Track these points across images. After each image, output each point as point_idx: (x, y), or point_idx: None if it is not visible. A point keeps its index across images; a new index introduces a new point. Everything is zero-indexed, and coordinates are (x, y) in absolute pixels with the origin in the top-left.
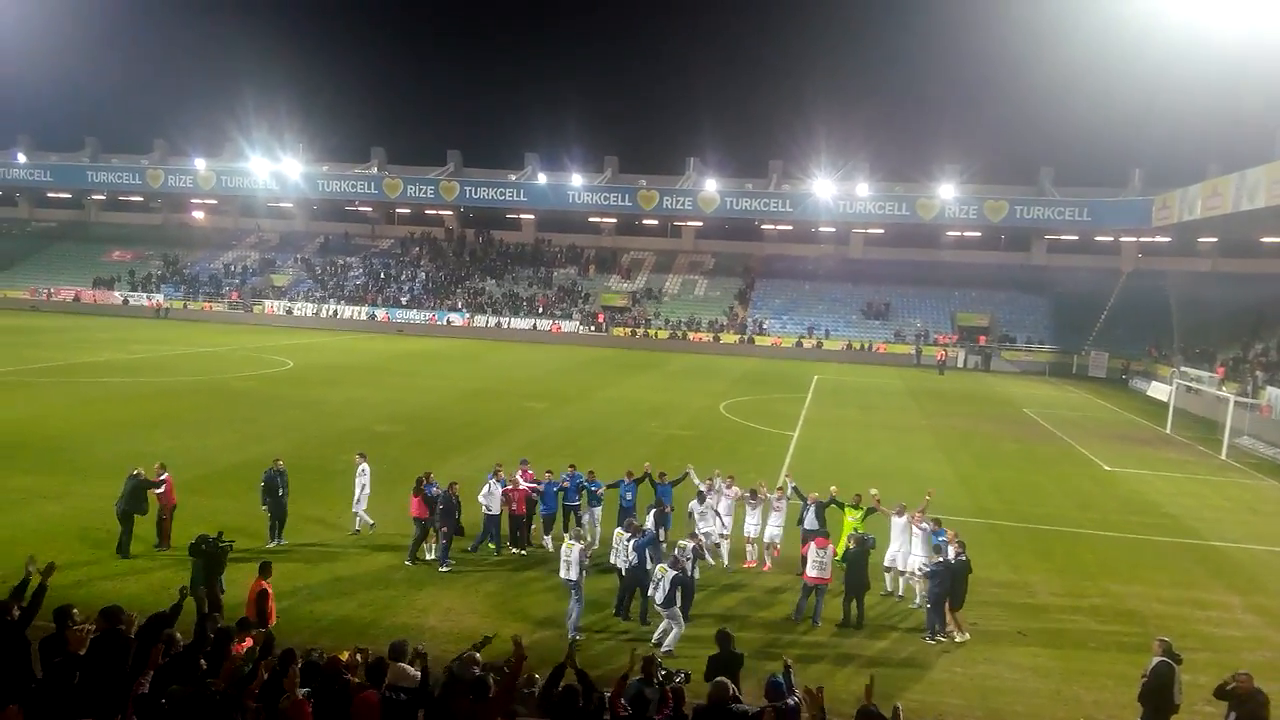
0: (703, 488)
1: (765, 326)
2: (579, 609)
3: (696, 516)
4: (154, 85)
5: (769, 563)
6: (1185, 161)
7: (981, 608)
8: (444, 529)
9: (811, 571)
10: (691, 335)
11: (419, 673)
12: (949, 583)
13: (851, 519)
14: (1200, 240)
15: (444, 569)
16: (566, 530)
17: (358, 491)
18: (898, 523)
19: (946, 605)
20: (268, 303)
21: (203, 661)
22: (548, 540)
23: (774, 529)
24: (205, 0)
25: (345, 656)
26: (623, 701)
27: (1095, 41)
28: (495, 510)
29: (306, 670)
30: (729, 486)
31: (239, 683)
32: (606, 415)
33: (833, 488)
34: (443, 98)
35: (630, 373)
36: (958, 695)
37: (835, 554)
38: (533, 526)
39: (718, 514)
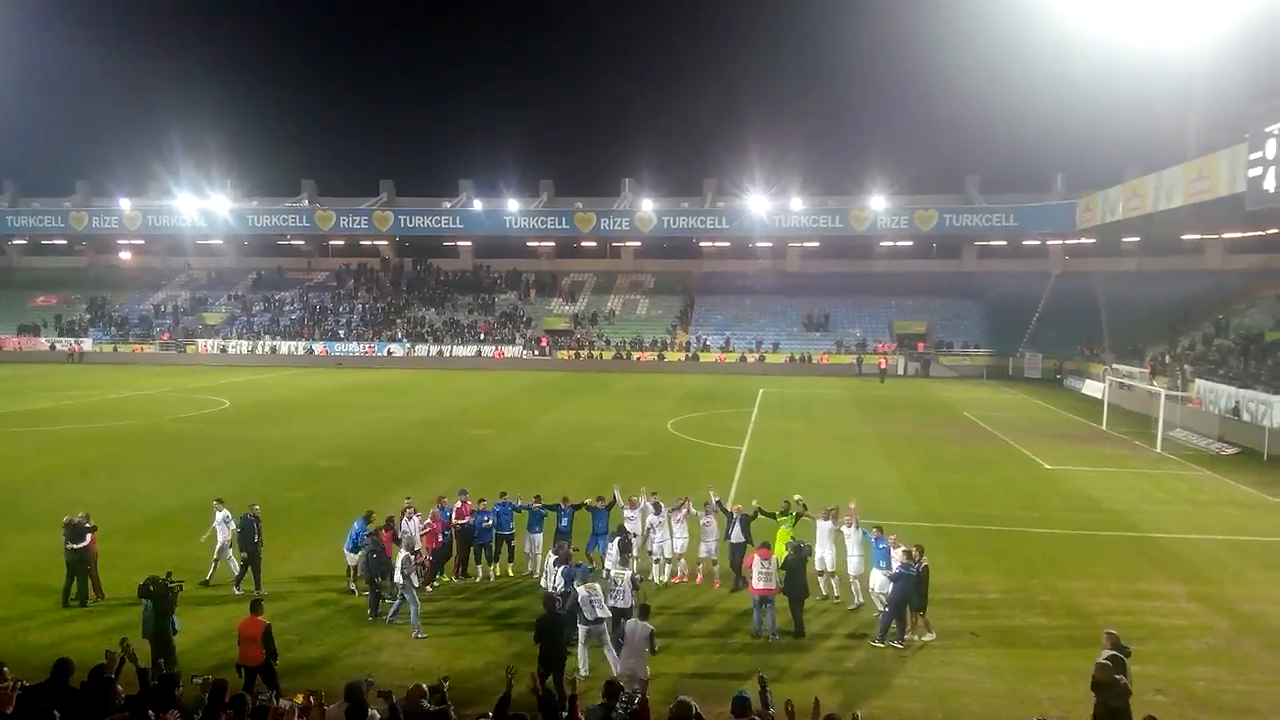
0: (626, 509)
1: (708, 343)
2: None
3: (642, 535)
4: (73, 125)
5: (717, 579)
6: (1105, 164)
7: (935, 610)
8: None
9: (758, 584)
10: (636, 355)
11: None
12: (909, 588)
13: (784, 526)
14: (1124, 240)
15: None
16: (494, 560)
17: (220, 539)
18: (824, 527)
19: (907, 610)
20: (201, 342)
21: (151, 712)
22: (486, 570)
23: (709, 544)
24: (123, 37)
25: (299, 700)
26: None
27: (1014, 51)
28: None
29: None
30: (652, 501)
31: None
32: (554, 439)
33: (754, 501)
34: (373, 128)
35: (576, 395)
36: (916, 699)
37: (778, 563)
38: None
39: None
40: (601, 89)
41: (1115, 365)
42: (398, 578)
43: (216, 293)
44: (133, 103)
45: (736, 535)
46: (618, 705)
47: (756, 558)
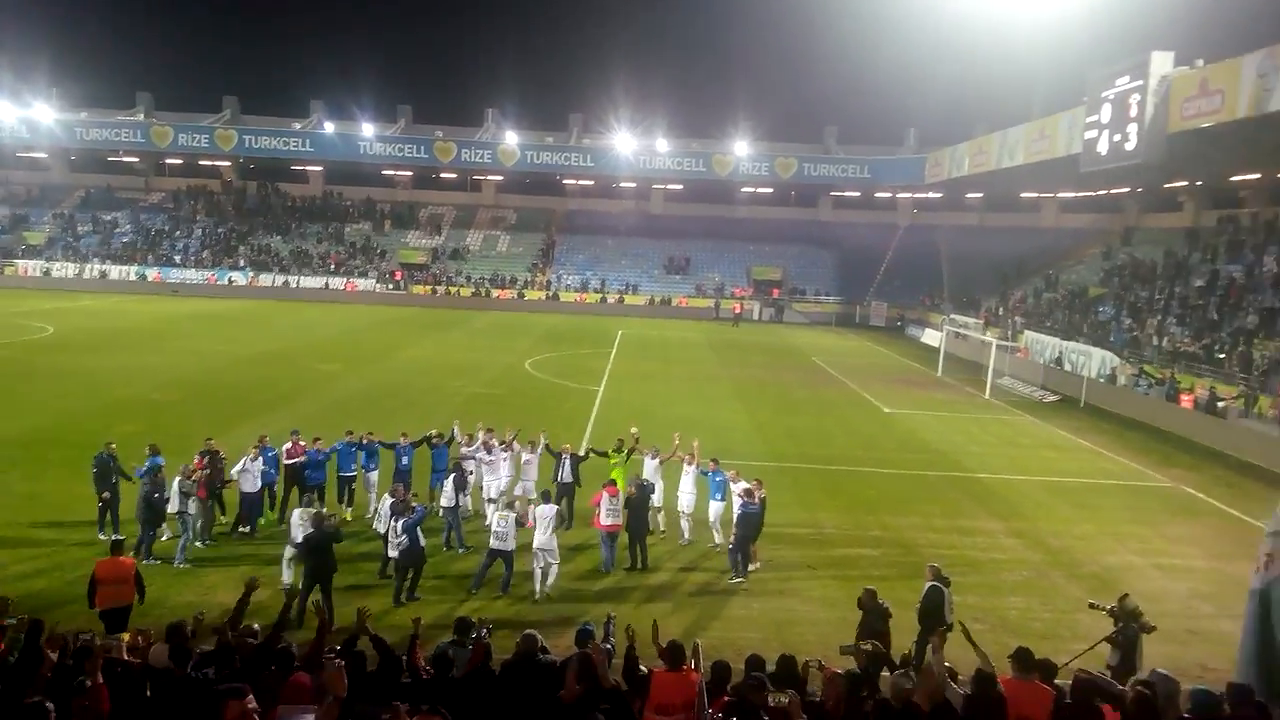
0: (464, 444)
1: (569, 282)
2: (509, 574)
3: (485, 471)
4: None
5: (531, 520)
6: (956, 121)
7: (776, 544)
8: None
9: (605, 520)
10: (495, 292)
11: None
12: (750, 525)
13: (615, 462)
14: (968, 196)
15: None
16: (341, 500)
17: None
18: (650, 464)
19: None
20: (21, 263)
21: None
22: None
23: (527, 483)
24: None
25: (126, 638)
26: (424, 662)
27: (875, 7)
28: (252, 488)
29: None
30: (491, 438)
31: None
32: (408, 376)
33: (584, 443)
34: (217, 38)
35: (432, 331)
36: (754, 629)
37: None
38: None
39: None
40: (466, 13)
41: (953, 315)
42: (173, 506)
43: (39, 210)
44: None
45: (565, 475)
46: (467, 642)
47: (605, 494)
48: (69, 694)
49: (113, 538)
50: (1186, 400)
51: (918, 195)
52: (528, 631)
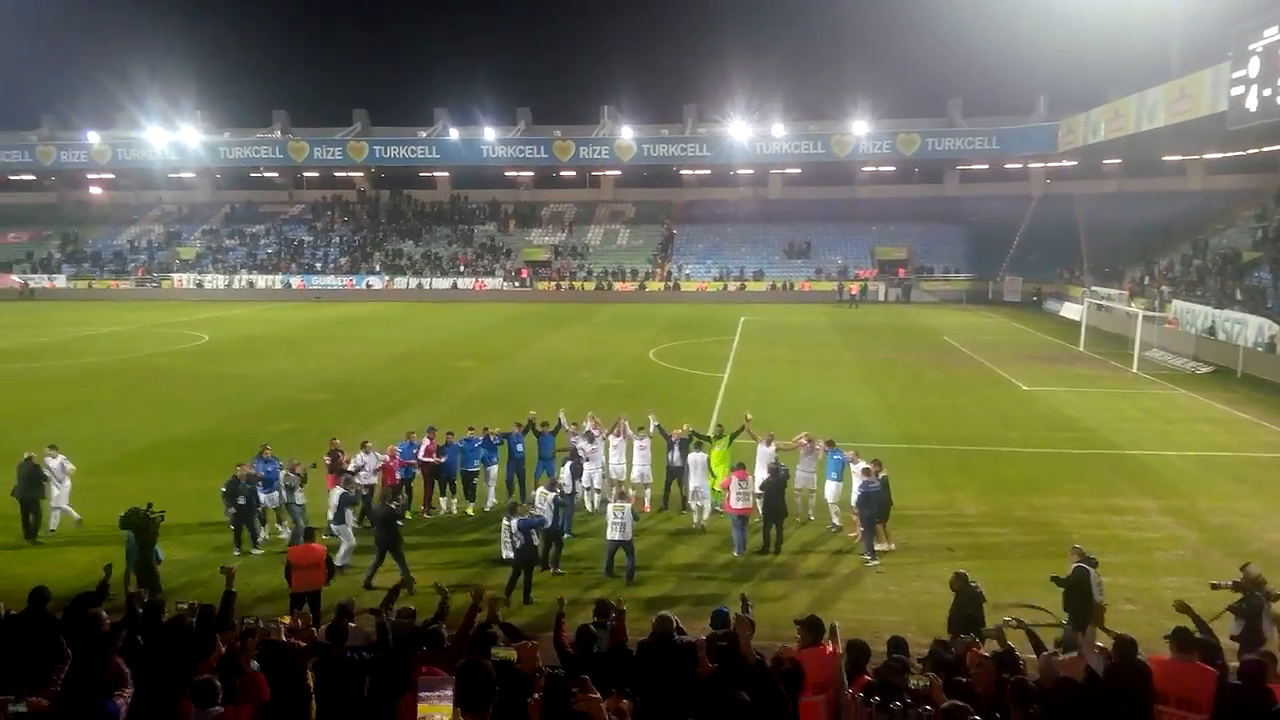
0: (571, 434)
1: (689, 272)
2: (632, 562)
3: (585, 458)
4: (37, 56)
5: (647, 504)
6: (1087, 86)
7: (912, 527)
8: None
9: (736, 504)
10: (617, 285)
11: (372, 630)
12: (874, 504)
13: (719, 448)
14: (1105, 162)
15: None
16: (451, 494)
17: (57, 489)
18: (763, 451)
19: (877, 525)
20: (176, 277)
21: (138, 637)
22: (444, 504)
23: (641, 468)
24: None
25: (287, 622)
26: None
27: None
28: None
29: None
30: (596, 427)
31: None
32: (537, 369)
33: (686, 425)
34: (345, 55)
35: (558, 326)
36: (892, 612)
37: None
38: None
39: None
40: (578, 13)
41: (1094, 287)
42: (279, 496)
43: (190, 227)
44: (98, 32)
45: (675, 459)
46: (607, 623)
47: (734, 478)
48: (232, 674)
49: (305, 528)
50: None
51: (1050, 164)
52: (663, 613)
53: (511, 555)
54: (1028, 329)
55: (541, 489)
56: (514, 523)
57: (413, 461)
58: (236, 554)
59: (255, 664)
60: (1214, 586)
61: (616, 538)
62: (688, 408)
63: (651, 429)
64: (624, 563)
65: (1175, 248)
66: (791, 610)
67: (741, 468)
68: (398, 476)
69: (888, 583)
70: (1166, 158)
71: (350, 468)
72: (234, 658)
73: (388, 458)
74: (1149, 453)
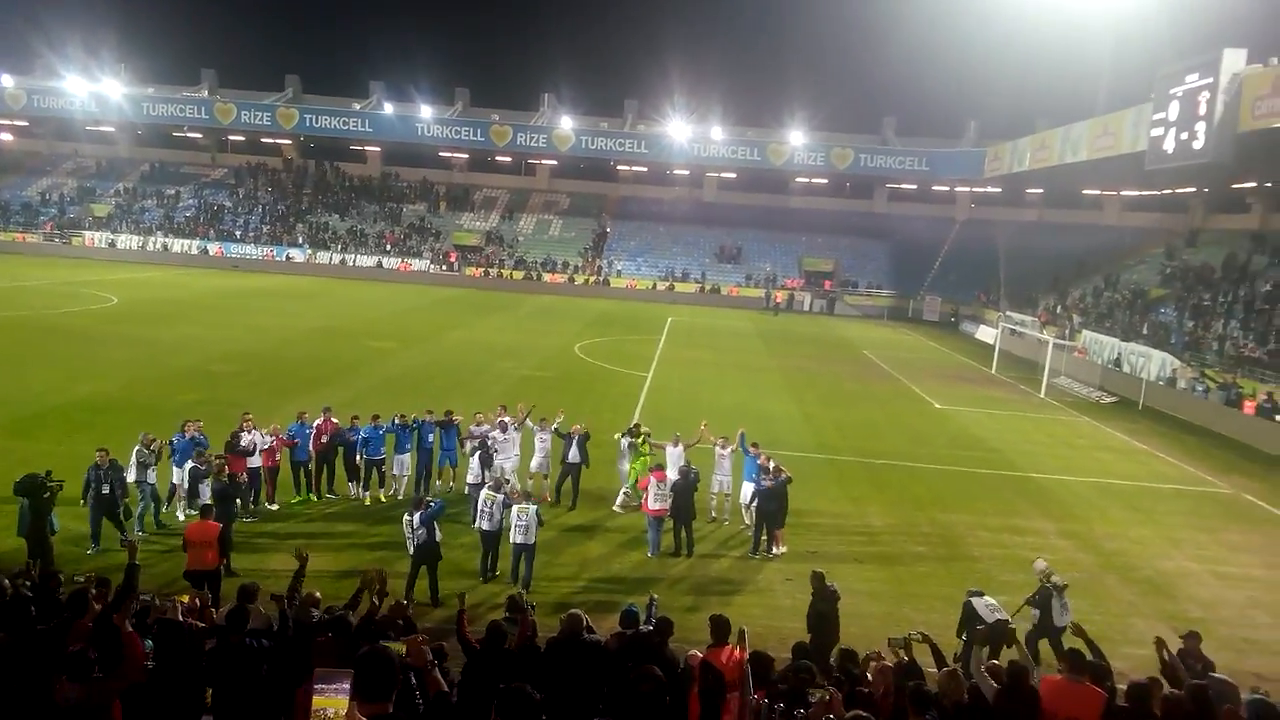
0: (475, 424)
1: (620, 268)
2: (529, 571)
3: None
4: None
5: (547, 494)
6: (1017, 115)
7: (821, 536)
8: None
9: (654, 504)
10: (546, 276)
11: (271, 615)
12: (770, 502)
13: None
14: (1028, 191)
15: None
16: (354, 480)
17: None
18: (672, 452)
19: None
20: (87, 234)
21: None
22: (353, 489)
23: (540, 459)
24: None
25: (186, 600)
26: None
27: None
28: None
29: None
30: (510, 418)
31: (62, 622)
32: (459, 356)
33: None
34: (281, 19)
35: (483, 313)
36: (799, 619)
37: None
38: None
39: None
40: None
41: (1009, 312)
42: (131, 475)
43: (106, 183)
44: None
45: (573, 456)
46: (517, 618)
47: (652, 479)
48: (108, 639)
49: (201, 504)
50: (1249, 406)
51: (976, 189)
52: (573, 611)
53: (411, 551)
54: (944, 348)
55: (487, 490)
56: (415, 517)
57: (294, 442)
58: (91, 550)
59: (131, 626)
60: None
61: (519, 541)
62: (610, 405)
63: (556, 424)
64: (523, 569)
65: (1088, 279)
66: (700, 614)
67: (660, 468)
68: (275, 458)
69: (796, 590)
70: (1086, 191)
71: (242, 445)
72: (108, 616)
73: (273, 438)
74: (1051, 477)
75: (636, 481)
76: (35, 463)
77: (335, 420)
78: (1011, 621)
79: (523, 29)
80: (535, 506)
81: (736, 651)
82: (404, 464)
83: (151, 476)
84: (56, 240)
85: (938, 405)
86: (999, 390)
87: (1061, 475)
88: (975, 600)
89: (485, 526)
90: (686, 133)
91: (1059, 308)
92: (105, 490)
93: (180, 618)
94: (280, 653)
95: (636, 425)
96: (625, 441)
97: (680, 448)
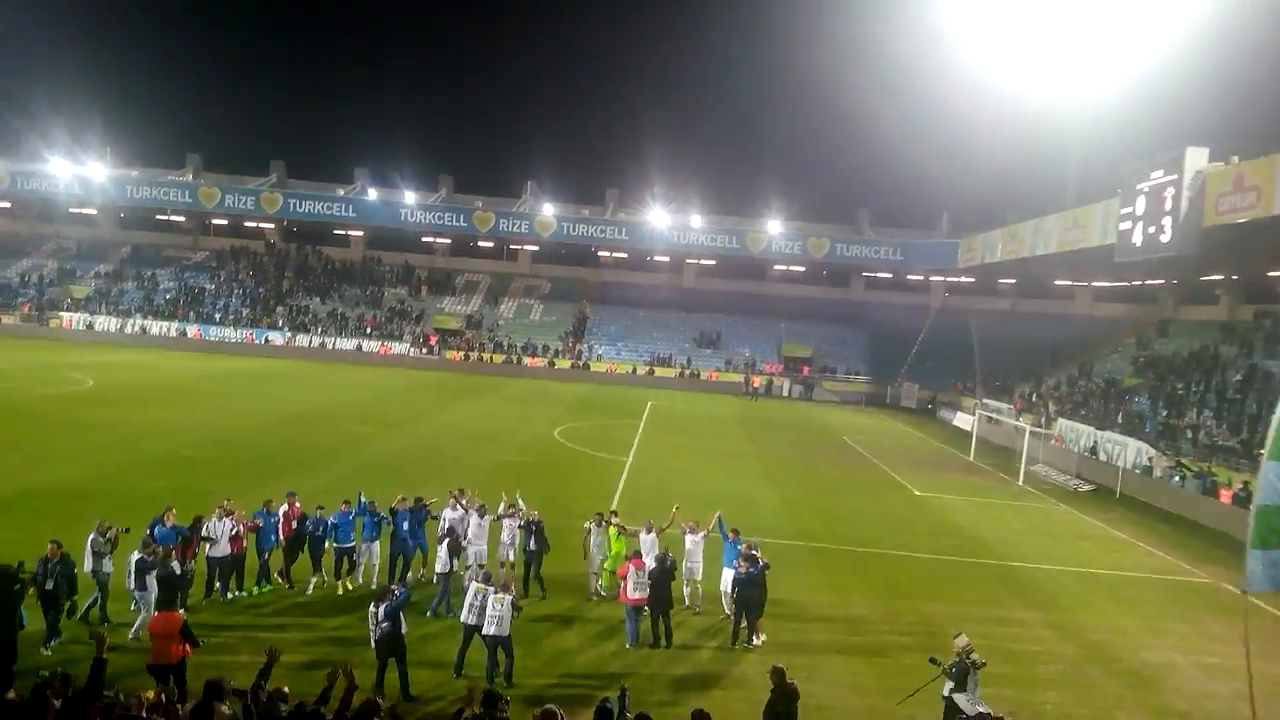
0: (446, 511)
1: (601, 353)
2: (511, 661)
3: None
4: None
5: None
6: (989, 207)
7: (803, 625)
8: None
9: (633, 594)
10: (527, 360)
11: (236, 712)
12: (751, 589)
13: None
14: (1001, 281)
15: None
16: (317, 570)
17: None
18: (646, 539)
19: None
20: (66, 315)
21: None
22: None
23: (506, 548)
24: None
25: (150, 696)
26: None
27: (909, 92)
28: (222, 553)
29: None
30: (477, 509)
31: None
32: (438, 440)
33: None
34: (266, 105)
35: (463, 397)
36: None
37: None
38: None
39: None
40: (508, 88)
41: (985, 400)
42: (87, 565)
43: (87, 264)
44: (6, 57)
45: (533, 544)
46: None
47: (631, 567)
48: None
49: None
50: (1225, 495)
51: (950, 279)
52: (548, 706)
53: (374, 644)
54: (922, 435)
55: (477, 583)
56: (381, 609)
57: (257, 525)
58: (46, 650)
59: None
60: (932, 660)
61: (493, 633)
62: (589, 490)
63: (518, 512)
64: (503, 663)
65: (1062, 368)
66: (680, 708)
67: (638, 556)
68: (242, 545)
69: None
70: (1058, 282)
71: (203, 532)
72: (72, 715)
73: (239, 526)
74: (1032, 565)
75: (615, 571)
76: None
77: (299, 505)
78: (994, 714)
79: (506, 118)
80: (511, 596)
81: None
82: (374, 552)
83: (108, 566)
84: (34, 322)
85: (918, 492)
86: (978, 478)
87: (1043, 564)
88: (957, 696)
89: (472, 621)
90: (666, 220)
91: (1034, 395)
92: (48, 585)
93: (144, 715)
94: None
95: (605, 512)
96: (593, 527)
97: (654, 534)
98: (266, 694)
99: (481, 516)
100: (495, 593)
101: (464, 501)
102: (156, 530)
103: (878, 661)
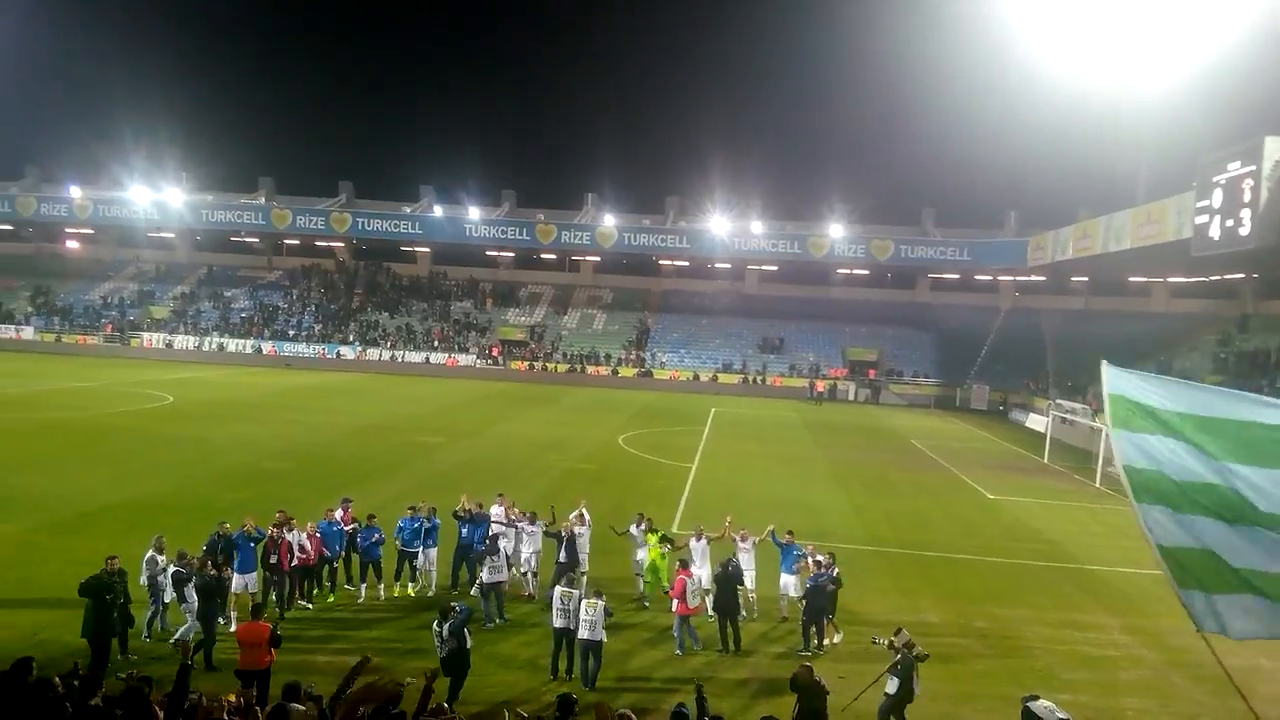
0: (507, 518)
1: (663, 360)
2: (598, 665)
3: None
4: (26, 109)
5: (530, 589)
6: (1058, 204)
7: (872, 631)
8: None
9: (693, 602)
10: (590, 369)
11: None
12: (823, 597)
13: (652, 543)
14: (1073, 279)
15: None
16: (364, 580)
17: None
18: (696, 547)
19: (824, 618)
20: (146, 335)
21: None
22: (370, 589)
23: (528, 553)
24: (81, 21)
25: (232, 699)
26: None
27: (974, 89)
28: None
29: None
30: (522, 518)
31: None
32: (504, 449)
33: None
34: (334, 127)
35: (528, 406)
36: (850, 717)
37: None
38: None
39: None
40: (568, 102)
41: (1059, 400)
42: (599, 634)
43: (165, 286)
44: (88, 90)
45: (562, 555)
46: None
47: (685, 578)
48: None
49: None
50: None
51: (1020, 278)
52: (622, 711)
53: (441, 660)
54: (993, 437)
55: (562, 587)
56: (445, 627)
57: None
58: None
59: None
60: (874, 642)
61: (587, 636)
62: (654, 497)
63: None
64: (590, 667)
65: (1139, 366)
66: (751, 714)
67: (685, 566)
68: (312, 557)
69: (847, 688)
70: (1132, 278)
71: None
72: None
73: (309, 539)
74: (1111, 569)
75: (670, 587)
76: (87, 561)
77: (352, 511)
78: None
79: (567, 131)
80: (603, 601)
81: None
82: (431, 559)
83: (190, 596)
84: (116, 342)
85: (990, 495)
86: (1052, 480)
87: (1122, 568)
88: (1032, 704)
89: (559, 624)
90: (727, 227)
91: None
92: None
93: (224, 717)
94: None
95: (641, 515)
96: (637, 530)
97: (704, 541)
98: (348, 698)
99: (533, 524)
100: (587, 598)
101: (513, 511)
102: (239, 539)
103: (950, 667)
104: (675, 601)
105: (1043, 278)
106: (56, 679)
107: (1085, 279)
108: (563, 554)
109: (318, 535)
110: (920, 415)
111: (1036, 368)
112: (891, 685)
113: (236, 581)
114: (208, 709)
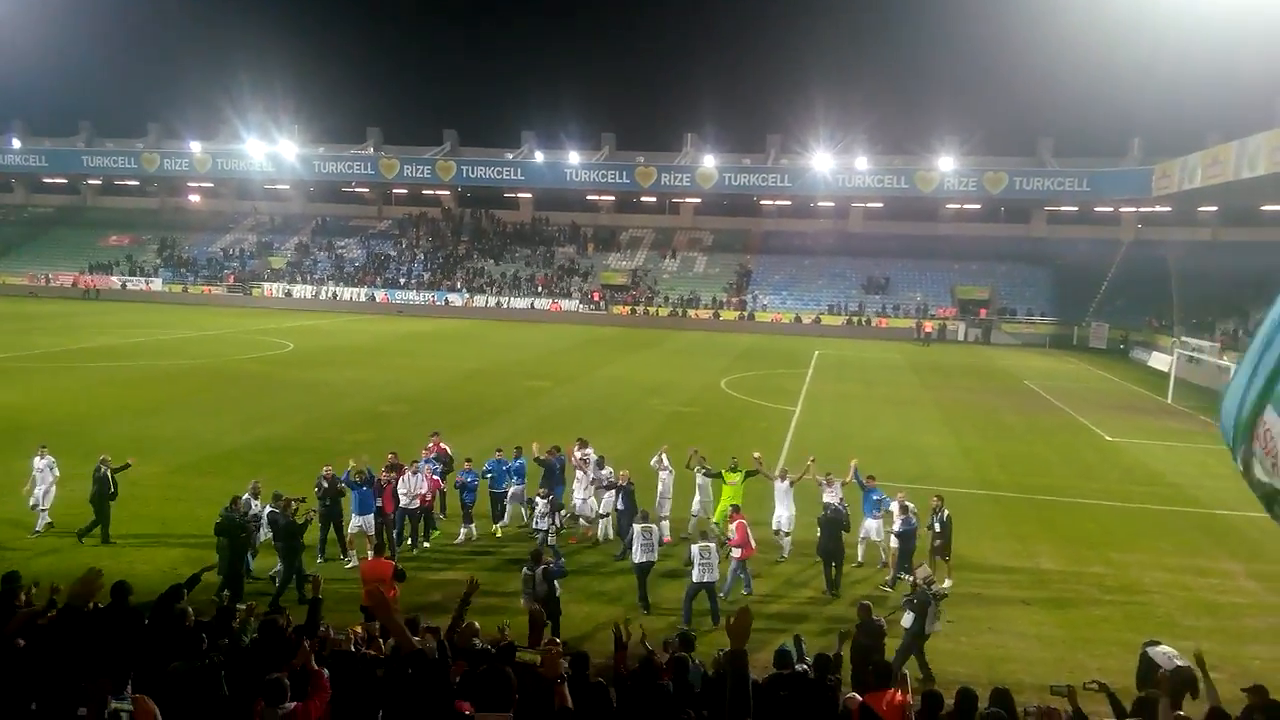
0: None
1: (765, 303)
2: (716, 603)
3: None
4: (147, 68)
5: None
6: (1185, 130)
7: (986, 577)
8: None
9: (751, 546)
10: (691, 312)
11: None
12: (911, 542)
13: (731, 482)
14: (1201, 209)
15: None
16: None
17: (42, 489)
18: (779, 487)
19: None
20: (266, 285)
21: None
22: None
23: (590, 499)
24: None
25: (359, 630)
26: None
27: (1092, 9)
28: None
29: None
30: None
31: (240, 656)
32: (609, 393)
33: (697, 456)
34: (438, 77)
35: (631, 351)
36: (963, 664)
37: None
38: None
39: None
40: (665, 42)
41: (1184, 338)
42: (263, 535)
43: (282, 237)
44: (205, 48)
45: (621, 504)
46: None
47: (744, 523)
48: (302, 678)
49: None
50: None
51: (1143, 209)
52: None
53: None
54: (1113, 377)
55: (640, 523)
56: (538, 572)
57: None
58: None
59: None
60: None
61: (705, 579)
62: (758, 439)
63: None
64: (706, 605)
65: (1272, 301)
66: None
67: (737, 509)
68: (429, 499)
69: (958, 633)
70: (1266, 207)
71: (401, 491)
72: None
73: (428, 481)
74: (1237, 513)
75: (730, 536)
76: (218, 500)
77: (441, 443)
78: (1194, 667)
79: (665, 72)
80: (714, 544)
81: (899, 695)
82: (520, 495)
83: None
84: (238, 292)
85: (1108, 437)
86: (1176, 421)
87: (1249, 512)
88: (1151, 650)
89: (641, 559)
90: (830, 164)
91: (1239, 332)
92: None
93: (354, 648)
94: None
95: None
96: (701, 476)
97: (787, 482)
98: (461, 628)
99: (601, 468)
100: (701, 542)
101: (583, 453)
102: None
103: (1065, 613)
104: (737, 549)
105: (1168, 208)
106: (191, 611)
107: (1214, 208)
108: (620, 502)
109: (435, 476)
110: (1035, 355)
111: (1160, 303)
112: (907, 619)
113: (354, 522)
114: (337, 640)
